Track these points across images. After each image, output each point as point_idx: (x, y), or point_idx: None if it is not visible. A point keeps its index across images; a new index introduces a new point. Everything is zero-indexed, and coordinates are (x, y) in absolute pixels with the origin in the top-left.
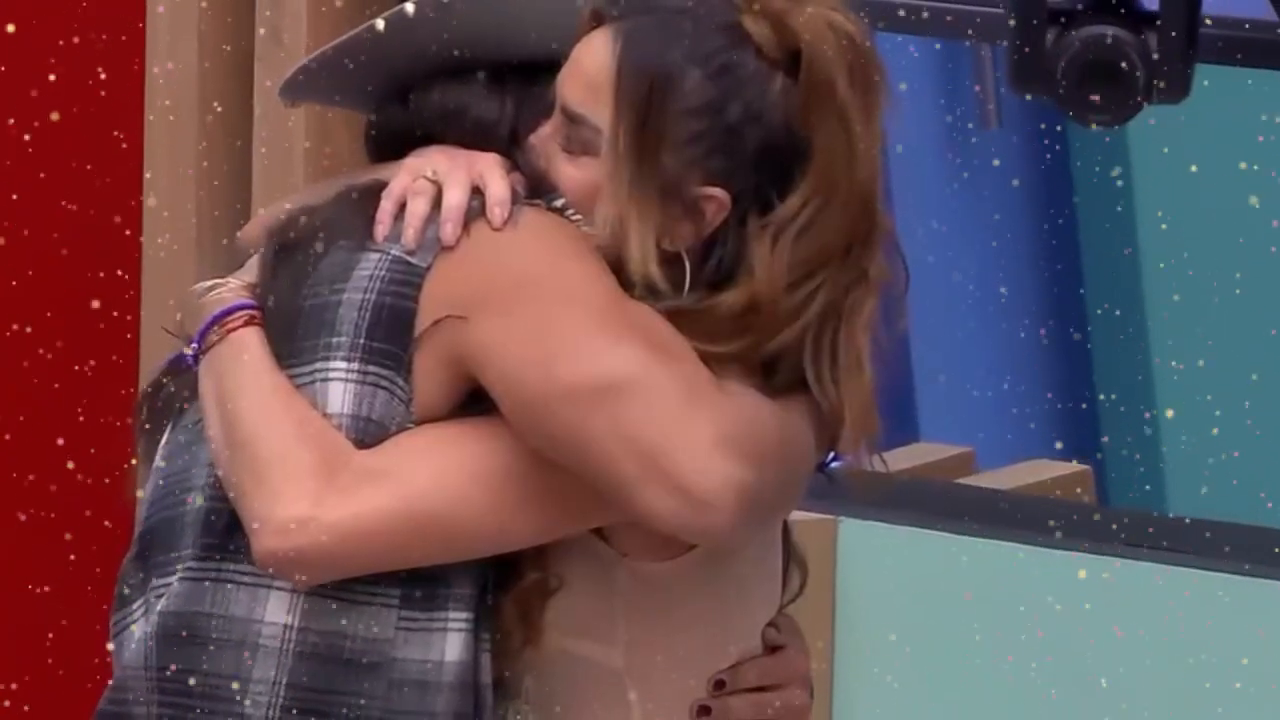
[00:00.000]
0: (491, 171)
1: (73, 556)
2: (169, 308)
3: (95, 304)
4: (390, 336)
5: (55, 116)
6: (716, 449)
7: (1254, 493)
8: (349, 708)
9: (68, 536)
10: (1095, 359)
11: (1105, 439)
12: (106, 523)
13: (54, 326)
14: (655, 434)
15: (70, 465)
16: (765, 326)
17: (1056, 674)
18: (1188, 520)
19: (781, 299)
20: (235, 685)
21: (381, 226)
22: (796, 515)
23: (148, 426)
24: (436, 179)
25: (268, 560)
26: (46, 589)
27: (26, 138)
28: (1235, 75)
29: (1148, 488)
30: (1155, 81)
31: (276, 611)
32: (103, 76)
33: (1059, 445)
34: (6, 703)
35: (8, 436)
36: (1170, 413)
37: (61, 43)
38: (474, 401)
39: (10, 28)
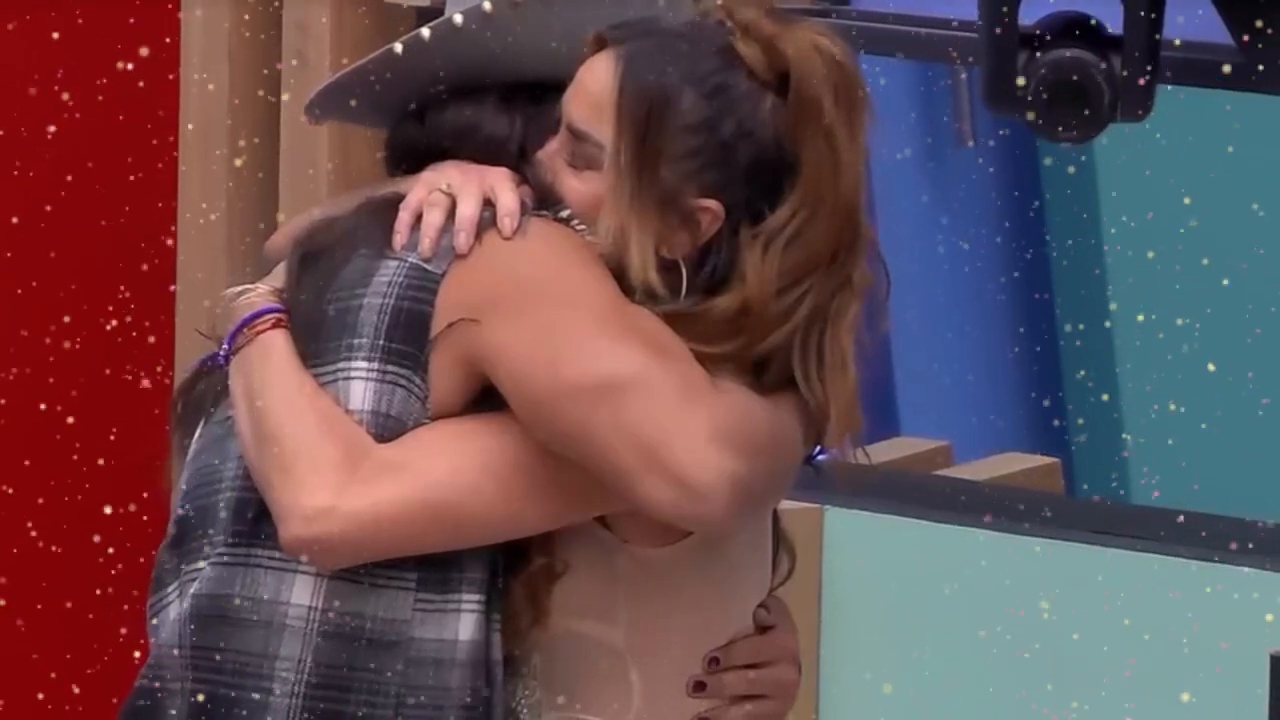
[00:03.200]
0: (502, 184)
1: (99, 536)
2: (202, 312)
3: (134, 308)
4: (408, 338)
5: (93, 115)
6: (711, 443)
7: (1211, 482)
8: (369, 683)
9: (106, 510)
10: (1063, 359)
11: (1073, 433)
12: (139, 512)
13: (97, 329)
14: (654, 429)
15: (111, 458)
16: (756, 329)
17: (1026, 649)
18: (1150, 509)
19: (771, 303)
20: (263, 662)
21: (400, 236)
22: (785, 504)
23: (182, 422)
24: (451, 192)
25: (294, 546)
26: (88, 574)
27: (70, 174)
28: (1194, 94)
29: (1112, 479)
30: (1119, 101)
31: (302, 594)
32: (140, 99)
33: (1029, 439)
34: (52, 674)
35: (60, 428)
36: (1132, 409)
37: (100, 67)
38: (485, 399)
39: (55, 35)
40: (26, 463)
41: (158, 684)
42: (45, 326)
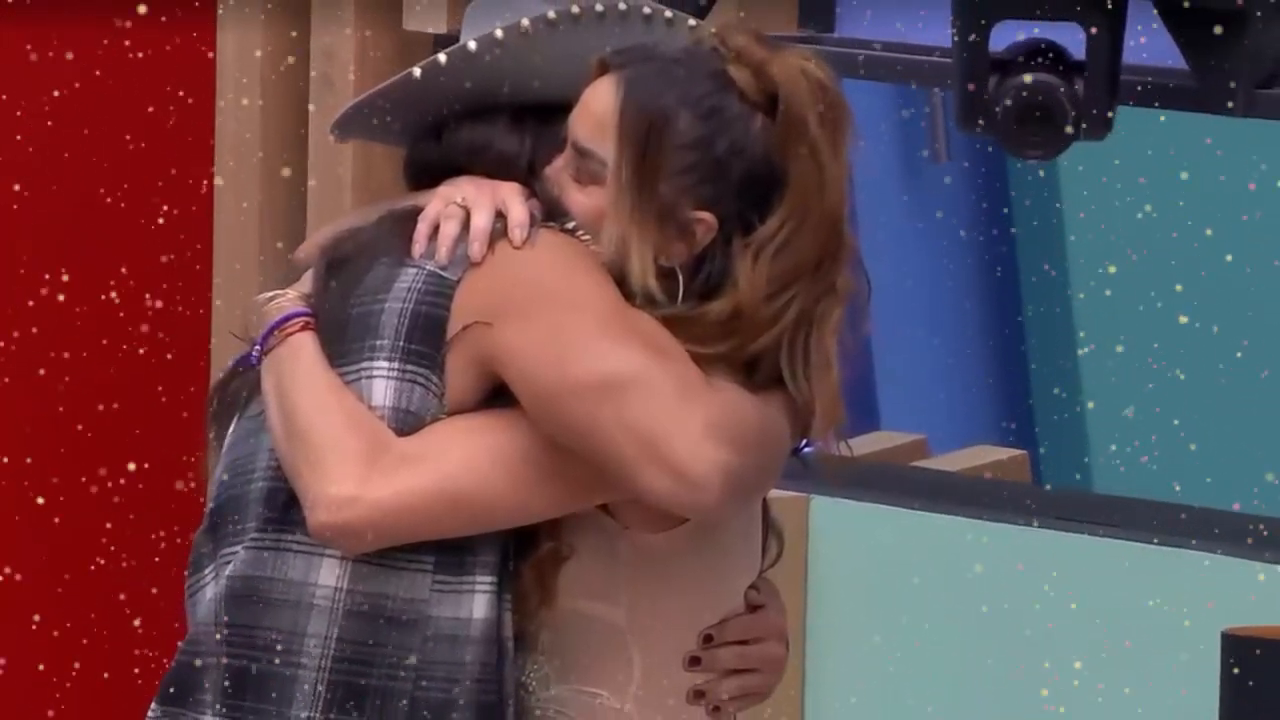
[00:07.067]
0: (513, 198)
1: (138, 518)
2: (236, 316)
3: (174, 311)
4: (426, 340)
5: (135, 132)
6: (706, 437)
7: (1168, 474)
8: (390, 658)
9: (133, 499)
10: (1030, 359)
11: (1040, 428)
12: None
13: (138, 332)
14: (654, 424)
15: (150, 450)
16: (747, 331)
17: (998, 629)
18: (1111, 498)
19: (761, 308)
20: (292, 639)
21: (418, 245)
22: (774, 493)
23: (217, 417)
24: (465, 204)
25: (321, 532)
26: (129, 559)
27: (112, 189)
28: (1153, 115)
29: (1076, 471)
30: (1082, 121)
31: (328, 576)
32: (178, 119)
33: (1000, 433)
34: (86, 636)
35: (104, 422)
36: (1095, 405)
37: (143, 87)
38: (497, 396)
39: (100, 56)
40: (84, 458)
41: (195, 659)
42: (91, 330)
